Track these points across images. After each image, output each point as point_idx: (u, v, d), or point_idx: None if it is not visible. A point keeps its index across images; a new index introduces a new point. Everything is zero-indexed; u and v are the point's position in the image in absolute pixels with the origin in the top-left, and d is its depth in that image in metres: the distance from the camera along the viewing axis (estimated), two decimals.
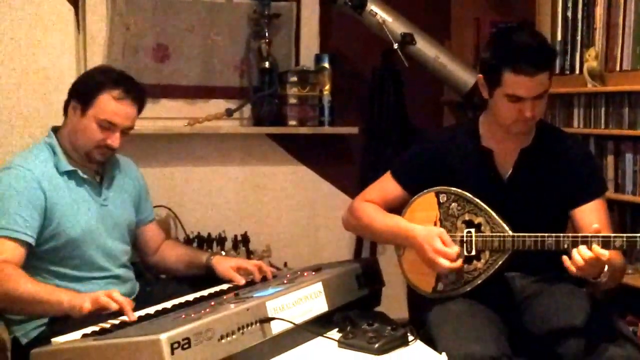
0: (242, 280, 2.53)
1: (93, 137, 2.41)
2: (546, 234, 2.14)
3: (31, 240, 2.31)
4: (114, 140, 2.42)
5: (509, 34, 2.27)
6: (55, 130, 2.50)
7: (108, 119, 2.40)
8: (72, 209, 2.40)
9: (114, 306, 2.09)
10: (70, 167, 2.43)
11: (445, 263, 2.23)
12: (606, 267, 2.06)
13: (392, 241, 2.49)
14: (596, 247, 2.00)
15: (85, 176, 2.46)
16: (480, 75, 2.32)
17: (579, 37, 3.29)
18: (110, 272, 2.48)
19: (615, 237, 2.06)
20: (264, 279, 2.57)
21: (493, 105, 2.30)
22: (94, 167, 2.51)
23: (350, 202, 2.60)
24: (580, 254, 2.01)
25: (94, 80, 2.45)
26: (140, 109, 2.50)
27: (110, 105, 2.40)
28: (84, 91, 2.43)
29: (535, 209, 2.31)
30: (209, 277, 2.59)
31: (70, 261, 2.41)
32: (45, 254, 2.38)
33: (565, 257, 2.04)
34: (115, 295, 2.13)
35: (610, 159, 3.15)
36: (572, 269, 2.03)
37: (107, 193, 2.52)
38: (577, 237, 2.09)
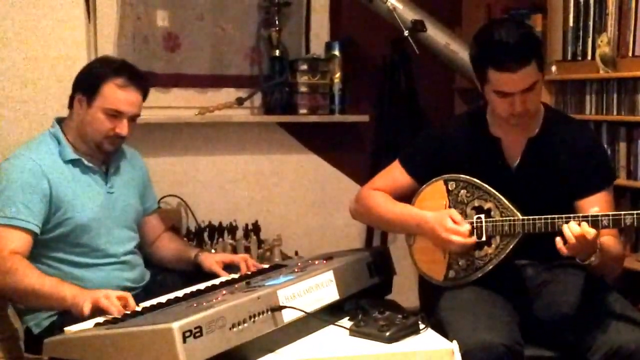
0: (225, 274, 2.55)
1: (102, 128, 2.42)
2: (556, 216, 2.13)
3: (37, 230, 2.33)
4: (122, 128, 2.44)
5: (490, 30, 2.24)
6: (60, 121, 2.52)
7: (114, 108, 2.42)
8: (78, 196, 2.42)
9: (113, 310, 2.09)
10: (74, 156, 2.45)
11: (458, 239, 2.24)
12: (597, 251, 2.08)
13: (403, 229, 2.49)
14: (584, 225, 2.03)
15: (90, 164, 2.48)
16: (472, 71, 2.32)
17: (591, 23, 3.27)
18: (117, 259, 2.50)
19: (625, 214, 2.06)
20: (275, 267, 2.58)
21: (488, 99, 2.30)
22: (100, 156, 2.52)
23: (358, 190, 2.59)
24: (571, 230, 2.03)
25: (96, 71, 2.47)
26: (144, 96, 2.52)
27: (115, 93, 2.42)
28: (87, 83, 2.44)
29: (544, 198, 2.30)
30: (199, 273, 2.61)
31: (77, 248, 2.42)
32: (52, 241, 2.39)
33: (558, 239, 2.06)
34: (113, 300, 2.12)
35: (622, 145, 3.14)
36: (564, 250, 2.05)
37: (113, 181, 2.54)
38: (587, 217, 2.08)
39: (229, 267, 2.61)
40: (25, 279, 2.22)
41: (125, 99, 2.43)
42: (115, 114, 2.42)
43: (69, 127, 2.49)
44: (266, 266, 2.65)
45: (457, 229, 2.25)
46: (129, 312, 2.07)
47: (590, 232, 2.02)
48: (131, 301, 2.15)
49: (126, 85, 2.43)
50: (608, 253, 2.15)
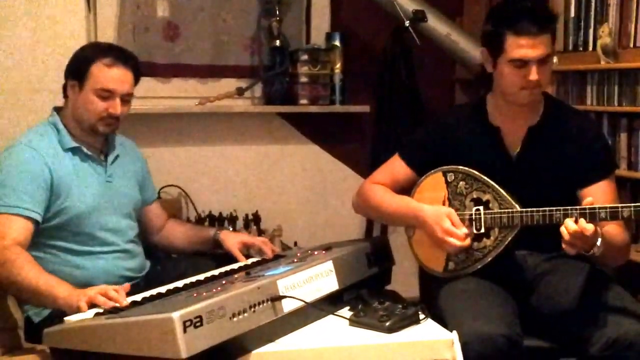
0: (243, 259, 2.59)
1: (95, 109, 2.43)
2: (554, 208, 2.13)
3: (39, 218, 2.33)
4: (115, 107, 2.43)
5: (508, 1, 2.33)
6: (58, 110, 2.53)
7: (104, 87, 2.42)
8: (78, 184, 2.43)
9: (110, 304, 2.07)
10: (74, 144, 2.46)
11: (454, 242, 2.24)
12: (599, 241, 2.06)
13: (402, 222, 2.49)
14: (582, 221, 2.01)
15: (89, 153, 2.49)
16: (483, 48, 2.32)
17: (592, 13, 3.25)
18: (117, 247, 2.50)
19: (623, 207, 2.06)
20: (275, 257, 2.59)
21: (498, 76, 2.30)
22: (98, 145, 2.53)
23: (360, 184, 2.59)
24: (567, 228, 2.02)
25: (84, 55, 2.49)
26: (136, 75, 2.51)
27: (103, 72, 2.42)
28: (77, 68, 2.46)
29: (544, 188, 2.30)
30: (214, 253, 2.65)
31: (77, 236, 2.42)
32: (52, 229, 2.39)
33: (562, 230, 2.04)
34: (111, 294, 2.09)
35: (623, 136, 3.13)
36: (563, 245, 2.03)
37: (111, 170, 2.54)
38: (585, 209, 2.08)
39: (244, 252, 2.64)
40: (22, 272, 2.19)
41: (115, 77, 2.43)
42: (106, 94, 2.42)
43: (66, 116, 2.50)
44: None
45: (454, 231, 2.25)
46: (129, 302, 2.08)
47: (588, 227, 2.00)
48: (121, 298, 2.09)
49: (114, 64, 2.43)
50: (611, 243, 2.14)
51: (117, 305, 2.05)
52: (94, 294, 2.09)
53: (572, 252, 2.06)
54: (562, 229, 2.04)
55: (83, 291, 2.13)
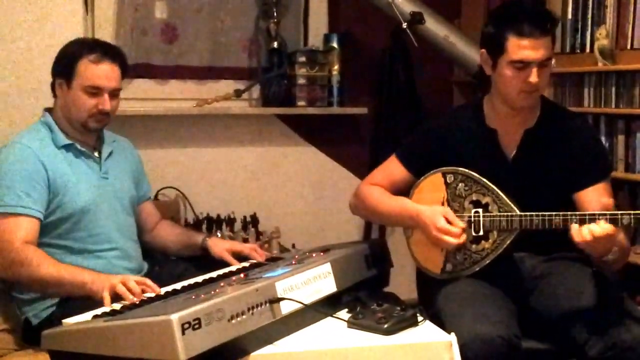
0: (235, 262, 2.57)
1: (84, 106, 2.43)
2: (553, 213, 2.13)
3: (40, 216, 2.35)
4: (104, 103, 2.44)
5: (510, 3, 2.35)
6: (49, 111, 2.54)
7: (92, 84, 2.42)
8: (73, 181, 2.43)
9: (130, 298, 2.11)
10: (67, 141, 2.47)
11: (448, 240, 2.24)
12: (616, 245, 2.06)
13: (399, 223, 2.49)
14: (602, 223, 2.00)
15: (83, 149, 2.49)
16: (483, 50, 2.32)
17: (589, 15, 3.27)
18: (116, 245, 2.49)
19: (622, 214, 2.05)
20: (273, 259, 2.59)
21: (497, 78, 2.30)
22: (91, 142, 2.53)
23: (357, 186, 2.60)
24: (591, 231, 2.01)
25: (69, 52, 2.48)
26: (123, 70, 2.51)
27: (90, 69, 2.42)
28: (63, 66, 2.46)
29: (541, 190, 2.30)
30: (206, 258, 2.63)
31: (74, 234, 2.43)
32: (48, 227, 2.39)
33: (573, 226, 2.04)
34: (131, 285, 2.14)
35: (620, 138, 3.14)
36: (578, 239, 2.02)
37: (106, 166, 2.55)
38: (584, 215, 2.08)
39: (236, 257, 2.62)
40: (41, 269, 2.25)
41: (102, 74, 2.43)
42: (95, 91, 2.43)
43: (57, 114, 2.51)
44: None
45: (449, 229, 2.25)
46: (127, 304, 2.08)
47: (608, 228, 2.00)
48: (150, 283, 2.17)
49: (100, 60, 2.43)
50: (622, 246, 2.15)
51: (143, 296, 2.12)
52: (116, 283, 2.15)
53: (584, 248, 2.05)
54: (585, 232, 2.01)
55: (108, 279, 2.19)
